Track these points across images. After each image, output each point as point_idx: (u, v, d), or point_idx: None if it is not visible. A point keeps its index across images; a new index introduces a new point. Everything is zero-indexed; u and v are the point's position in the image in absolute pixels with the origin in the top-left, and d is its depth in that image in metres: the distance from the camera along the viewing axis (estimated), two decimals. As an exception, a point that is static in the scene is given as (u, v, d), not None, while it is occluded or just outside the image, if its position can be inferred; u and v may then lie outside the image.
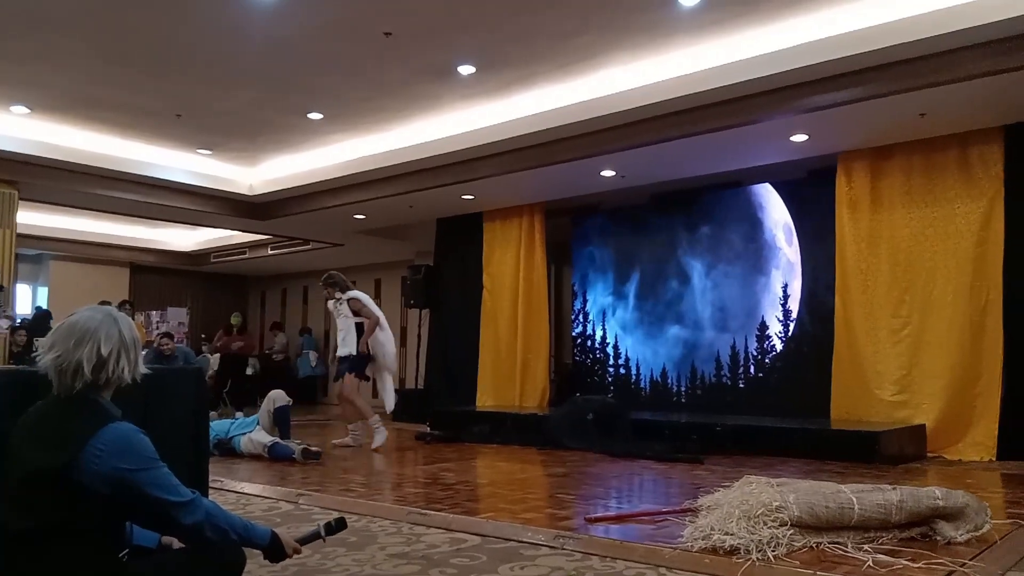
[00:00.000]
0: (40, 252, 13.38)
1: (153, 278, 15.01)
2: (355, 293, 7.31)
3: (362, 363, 7.16)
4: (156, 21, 5.86)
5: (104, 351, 2.03)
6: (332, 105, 7.75)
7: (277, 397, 6.68)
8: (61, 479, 1.92)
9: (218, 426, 6.74)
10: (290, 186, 9.80)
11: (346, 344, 7.17)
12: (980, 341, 6.76)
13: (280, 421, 6.60)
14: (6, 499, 2.00)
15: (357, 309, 7.18)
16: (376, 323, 7.15)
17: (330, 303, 7.38)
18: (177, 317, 13.54)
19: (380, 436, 7.04)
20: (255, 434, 6.47)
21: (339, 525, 2.56)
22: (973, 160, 6.88)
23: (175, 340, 9.88)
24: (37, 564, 1.95)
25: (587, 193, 9.33)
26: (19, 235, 9.13)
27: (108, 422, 1.99)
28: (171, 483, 2.02)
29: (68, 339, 2.03)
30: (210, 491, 4.36)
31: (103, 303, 10.50)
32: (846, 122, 6.61)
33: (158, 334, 9.88)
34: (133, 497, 1.98)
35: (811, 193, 8.10)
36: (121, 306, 10.44)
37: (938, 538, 3.24)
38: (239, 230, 12.38)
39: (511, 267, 10.17)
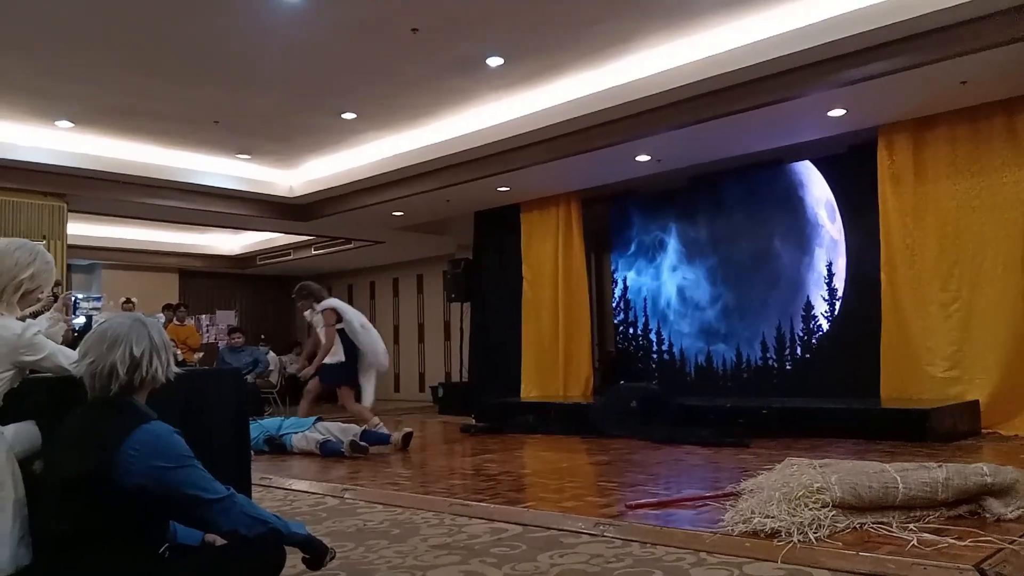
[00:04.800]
0: (92, 262, 13.73)
1: (202, 282, 15.30)
2: (331, 302, 7.02)
3: (353, 371, 6.91)
4: (186, 29, 5.97)
5: (136, 353, 2.09)
6: (364, 104, 7.81)
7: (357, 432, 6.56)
8: (98, 482, 1.97)
9: (269, 423, 6.98)
10: (329, 186, 9.90)
11: (333, 353, 6.85)
12: (1034, 312, 6.58)
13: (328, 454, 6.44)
14: (46, 504, 2.07)
15: (332, 320, 6.87)
16: (328, 348, 6.82)
17: (306, 314, 7.08)
18: (226, 320, 13.80)
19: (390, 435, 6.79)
20: (310, 431, 6.59)
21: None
22: (1020, 126, 6.68)
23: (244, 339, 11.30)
24: (76, 567, 2.00)
25: (624, 179, 9.26)
26: (71, 246, 9.40)
27: (142, 423, 2.05)
28: (205, 480, 2.07)
29: (100, 344, 2.10)
30: (257, 488, 4.48)
31: (167, 306, 10.91)
32: (885, 94, 6.45)
33: (228, 328, 11.75)
34: (169, 495, 2.03)
35: (853, 168, 7.93)
36: (176, 310, 10.73)
37: (987, 515, 3.17)
38: (282, 232, 12.59)
39: (550, 257, 10.15)
